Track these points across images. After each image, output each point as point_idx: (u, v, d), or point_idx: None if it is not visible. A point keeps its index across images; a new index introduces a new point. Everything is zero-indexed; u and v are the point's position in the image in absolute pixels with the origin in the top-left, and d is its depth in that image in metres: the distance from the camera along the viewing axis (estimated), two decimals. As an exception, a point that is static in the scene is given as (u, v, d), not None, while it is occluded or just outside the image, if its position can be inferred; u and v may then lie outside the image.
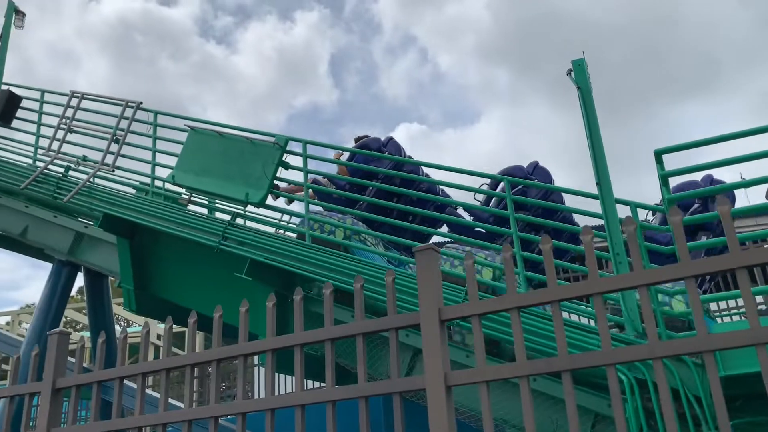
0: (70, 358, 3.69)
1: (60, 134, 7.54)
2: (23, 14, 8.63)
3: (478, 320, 2.38)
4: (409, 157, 6.85)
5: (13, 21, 8.56)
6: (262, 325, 3.12)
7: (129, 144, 7.21)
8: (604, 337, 2.16)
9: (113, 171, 7.03)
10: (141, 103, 7.30)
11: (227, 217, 6.22)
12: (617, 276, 2.32)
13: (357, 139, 7.06)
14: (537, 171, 6.18)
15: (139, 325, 16.97)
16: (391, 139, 6.87)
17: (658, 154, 4.20)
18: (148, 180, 7.01)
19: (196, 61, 76.82)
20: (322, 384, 7.48)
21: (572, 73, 4.74)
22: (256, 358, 6.58)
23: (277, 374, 5.33)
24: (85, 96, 7.62)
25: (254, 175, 6.22)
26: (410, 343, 5.12)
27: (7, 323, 17.32)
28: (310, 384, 9.14)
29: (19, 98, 8.05)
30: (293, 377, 2.71)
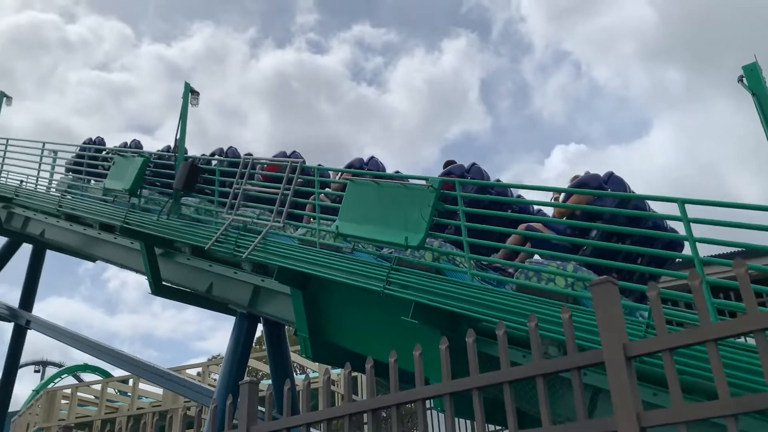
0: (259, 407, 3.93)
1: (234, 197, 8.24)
2: (198, 93, 9.65)
3: (670, 355, 2.20)
4: (497, 180, 7.12)
5: (189, 101, 9.59)
6: (429, 368, 3.11)
7: (296, 200, 7.71)
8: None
9: (283, 227, 7.51)
10: (304, 161, 7.80)
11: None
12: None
13: (446, 164, 7.27)
14: (611, 180, 6.19)
15: (313, 371, 17.72)
16: (474, 164, 7.11)
17: None
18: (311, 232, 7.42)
19: (350, 103, 79.47)
20: (497, 427, 7.31)
21: (744, 79, 4.37)
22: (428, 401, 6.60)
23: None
24: (255, 161, 8.31)
25: (411, 219, 6.35)
26: (588, 382, 4.86)
27: (198, 374, 18.83)
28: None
29: (200, 169, 8.91)
30: (459, 421, 2.68)
